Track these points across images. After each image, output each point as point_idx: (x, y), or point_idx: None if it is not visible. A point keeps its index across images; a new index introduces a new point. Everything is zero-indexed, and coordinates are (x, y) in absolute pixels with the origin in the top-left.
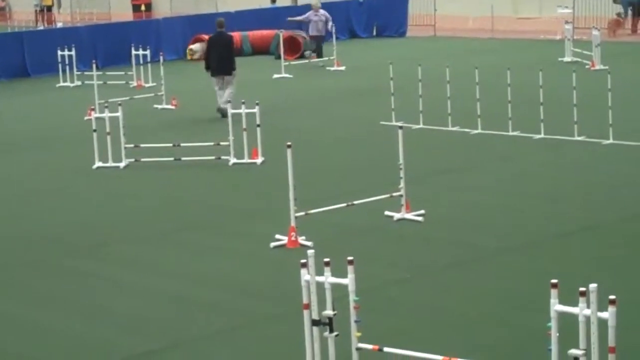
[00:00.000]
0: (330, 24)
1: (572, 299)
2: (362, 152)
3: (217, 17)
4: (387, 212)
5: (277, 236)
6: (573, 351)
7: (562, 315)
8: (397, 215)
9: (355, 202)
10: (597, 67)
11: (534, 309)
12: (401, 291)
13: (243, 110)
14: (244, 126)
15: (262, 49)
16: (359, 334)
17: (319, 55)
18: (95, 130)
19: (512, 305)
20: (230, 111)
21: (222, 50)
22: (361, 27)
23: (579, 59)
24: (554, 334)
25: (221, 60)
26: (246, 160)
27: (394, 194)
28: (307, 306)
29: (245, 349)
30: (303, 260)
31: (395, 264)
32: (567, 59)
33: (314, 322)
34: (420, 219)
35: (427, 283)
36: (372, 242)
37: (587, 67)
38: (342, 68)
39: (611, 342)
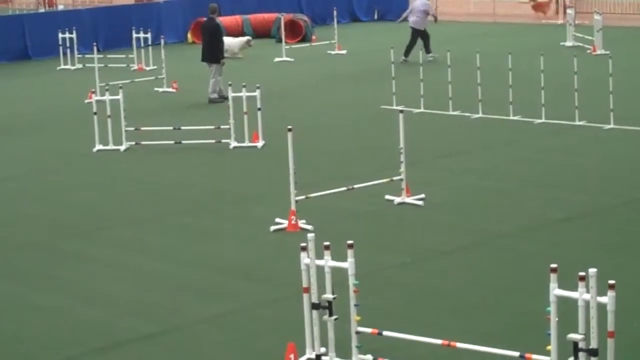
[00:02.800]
0: (429, 13)
1: (571, 283)
2: (363, 136)
3: (216, 1)
4: (387, 196)
5: (277, 220)
6: (572, 336)
7: (561, 300)
8: (397, 199)
9: (356, 186)
10: (599, 51)
11: (533, 293)
12: (401, 275)
13: (244, 93)
14: (245, 109)
15: (263, 33)
16: (358, 318)
17: (406, 53)
18: (95, 113)
19: (512, 290)
20: (230, 94)
21: (207, 37)
22: (362, 10)
23: (580, 44)
24: (553, 319)
25: (206, 47)
26: (247, 143)
27: (395, 178)
28: (307, 290)
29: (245, 332)
30: (303, 244)
31: (395, 248)
32: (568, 43)
33: (314, 306)
34: (420, 203)
35: (427, 267)
36: (372, 226)
37: (588, 51)
38: (343, 52)
39: (610, 326)
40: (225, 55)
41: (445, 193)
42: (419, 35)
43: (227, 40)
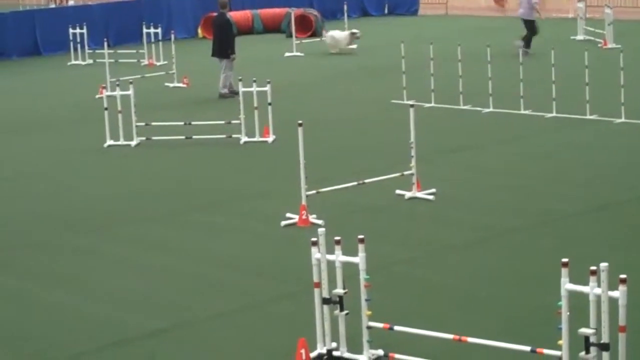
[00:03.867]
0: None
1: (582, 278)
2: (373, 130)
3: None
4: (398, 191)
5: (288, 214)
6: (583, 330)
7: (572, 294)
8: (408, 194)
9: (366, 181)
10: (610, 45)
11: (544, 287)
12: (412, 270)
13: (254, 88)
14: (255, 104)
15: (273, 27)
16: (369, 313)
17: (526, 45)
18: (106, 109)
19: (523, 284)
20: (241, 89)
21: (218, 32)
22: (373, 5)
23: (591, 38)
24: (565, 313)
25: (216, 42)
26: (257, 138)
27: (405, 173)
28: (318, 285)
29: (256, 327)
30: (314, 239)
31: (405, 242)
32: (579, 37)
33: (325, 301)
34: (431, 197)
35: (438, 262)
36: (382, 221)
37: (599, 45)
38: (354, 46)
39: (622, 321)
40: (333, 51)
41: (455, 188)
42: (528, 25)
43: (335, 35)
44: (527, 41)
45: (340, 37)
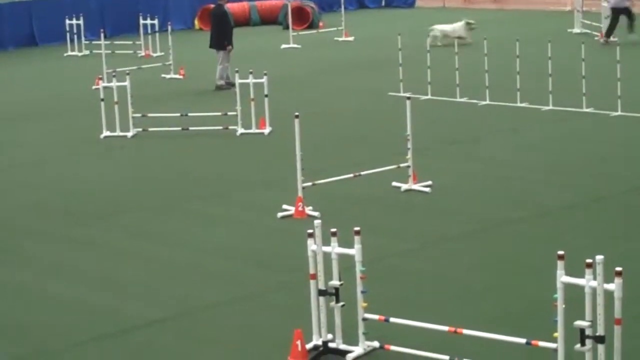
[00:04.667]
0: None
1: (580, 269)
2: (370, 122)
3: None
4: (394, 183)
5: (284, 206)
6: (579, 322)
7: (568, 287)
8: (404, 186)
9: (363, 173)
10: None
11: (540, 280)
12: (408, 262)
13: (251, 80)
14: (252, 96)
15: (270, 19)
16: (365, 305)
17: (608, 34)
18: (103, 100)
19: (518, 276)
20: (237, 81)
21: (215, 24)
22: None
23: (588, 31)
24: (560, 305)
25: (214, 34)
26: (254, 130)
27: (402, 165)
28: (314, 276)
29: (252, 319)
30: (310, 231)
31: (402, 234)
32: (576, 30)
33: (321, 292)
34: (427, 189)
35: (434, 253)
36: (379, 213)
37: (596, 38)
38: (351, 39)
39: (617, 313)
40: (439, 43)
41: (452, 180)
42: (621, 14)
43: (446, 28)
44: (609, 31)
45: (454, 28)
